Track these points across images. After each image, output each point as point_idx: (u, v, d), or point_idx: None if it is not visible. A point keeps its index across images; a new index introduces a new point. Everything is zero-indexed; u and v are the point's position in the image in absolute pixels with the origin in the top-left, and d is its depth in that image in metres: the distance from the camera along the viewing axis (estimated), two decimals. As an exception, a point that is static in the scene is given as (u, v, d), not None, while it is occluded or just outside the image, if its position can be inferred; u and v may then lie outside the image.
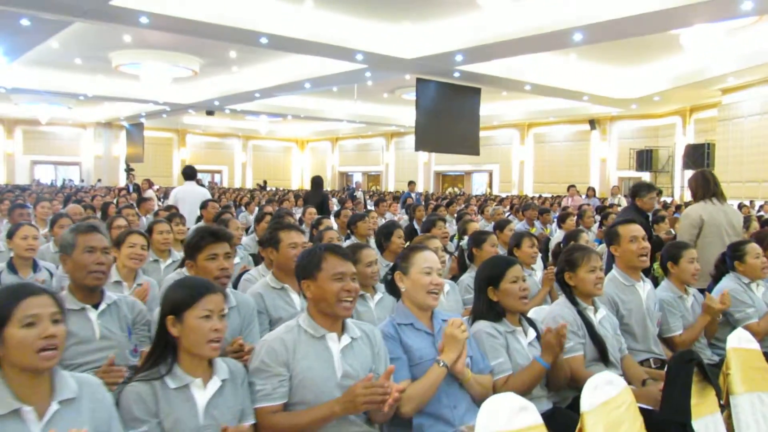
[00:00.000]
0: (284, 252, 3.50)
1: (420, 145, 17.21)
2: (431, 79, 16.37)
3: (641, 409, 2.31)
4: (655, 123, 24.07)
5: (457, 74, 16.15)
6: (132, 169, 18.90)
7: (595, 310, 3.29)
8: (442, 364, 2.56)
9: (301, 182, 38.47)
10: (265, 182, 32.77)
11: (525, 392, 2.81)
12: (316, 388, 2.38)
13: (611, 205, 12.32)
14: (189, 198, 8.74)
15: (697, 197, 5.30)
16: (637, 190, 6.19)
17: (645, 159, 23.24)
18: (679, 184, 22.84)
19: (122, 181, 25.22)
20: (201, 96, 22.38)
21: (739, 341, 2.83)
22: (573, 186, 15.02)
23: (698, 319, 3.80)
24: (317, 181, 10.58)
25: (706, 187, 5.21)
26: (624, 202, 16.42)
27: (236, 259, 5.16)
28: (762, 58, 14.80)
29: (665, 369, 2.59)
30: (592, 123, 25.39)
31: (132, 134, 29.40)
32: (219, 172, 36.91)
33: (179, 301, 2.24)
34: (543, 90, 18.72)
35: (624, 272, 3.69)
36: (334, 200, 16.44)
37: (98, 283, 2.84)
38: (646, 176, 23.56)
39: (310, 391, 2.38)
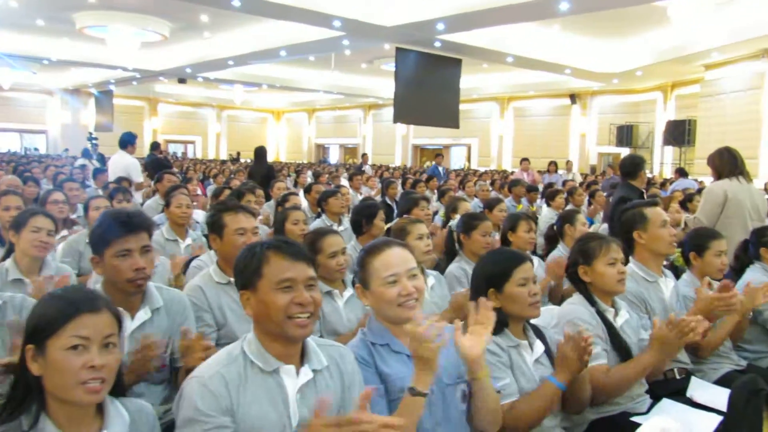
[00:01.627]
0: (229, 240, 2.84)
1: (399, 117, 16.82)
2: (411, 48, 15.85)
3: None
4: (636, 98, 23.66)
5: (438, 44, 15.58)
6: (95, 138, 17.80)
7: (616, 313, 2.68)
8: (413, 392, 1.83)
9: (276, 154, 37.59)
10: (238, 154, 31.62)
11: (536, 421, 2.20)
12: None
13: (565, 182, 11.64)
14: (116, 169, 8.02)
15: (721, 175, 4.70)
16: (633, 168, 5.71)
17: (625, 134, 22.96)
18: (658, 160, 22.57)
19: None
20: (172, 63, 21.35)
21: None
22: (526, 159, 14.29)
23: (727, 318, 3.21)
24: (260, 152, 9.84)
25: (733, 164, 4.65)
26: (579, 178, 15.97)
27: (188, 240, 4.50)
28: (748, 33, 14.41)
29: (728, 402, 1.97)
30: (573, 97, 24.98)
31: (101, 102, 28.03)
32: (192, 142, 35.80)
33: (40, 324, 1.52)
34: (525, 62, 18.20)
35: (645, 265, 3.09)
36: (309, 173, 15.72)
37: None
38: (626, 152, 23.20)
39: None
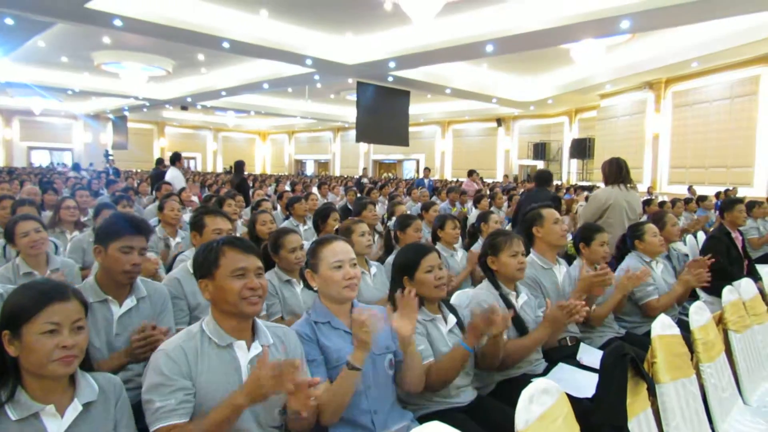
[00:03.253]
0: (207, 237, 2.74)
1: (360, 138, 16.70)
2: (369, 82, 15.79)
3: (574, 409, 1.68)
4: (548, 121, 23.96)
5: (390, 79, 15.53)
6: (111, 155, 17.30)
7: (517, 295, 2.65)
8: (350, 366, 1.82)
9: (263, 168, 37.14)
10: (231, 167, 31.05)
11: (449, 378, 2.16)
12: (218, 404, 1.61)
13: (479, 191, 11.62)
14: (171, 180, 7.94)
15: (608, 182, 4.71)
16: (546, 178, 6.16)
17: (540, 150, 23.32)
18: (566, 170, 22.88)
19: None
20: (175, 93, 20.82)
21: (663, 328, 2.24)
22: (474, 171, 14.18)
23: (611, 296, 3.22)
24: (238, 165, 9.50)
25: (618, 174, 4.61)
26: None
27: (177, 239, 4.36)
28: (631, 69, 14.88)
29: (600, 365, 1.95)
30: (499, 121, 25.22)
31: (117, 125, 27.25)
32: (193, 158, 35.00)
33: (15, 311, 1.42)
34: (460, 93, 18.29)
35: (542, 255, 3.08)
36: (288, 183, 15.52)
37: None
38: (540, 164, 23.57)
39: (210, 407, 1.60)
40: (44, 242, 3.06)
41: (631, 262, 3.54)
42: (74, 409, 1.46)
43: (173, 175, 8.20)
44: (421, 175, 15.28)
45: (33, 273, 2.96)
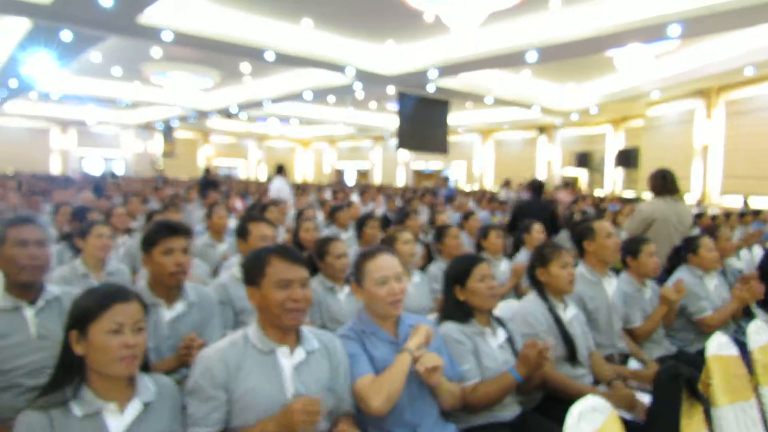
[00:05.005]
0: (252, 244, 2.78)
1: (401, 147, 16.70)
2: (410, 92, 15.83)
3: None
4: (592, 131, 23.40)
5: (431, 88, 15.49)
6: (159, 163, 17.87)
7: (565, 308, 2.59)
8: (407, 352, 1.83)
9: (304, 176, 37.59)
10: (272, 173, 31.63)
11: (493, 402, 2.11)
12: (261, 410, 1.64)
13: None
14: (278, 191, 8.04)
15: (654, 194, 4.58)
16: (539, 186, 6.30)
17: (583, 160, 22.78)
18: (610, 180, 22.30)
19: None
20: (221, 103, 21.29)
21: (719, 347, 2.13)
22: (508, 181, 13.84)
23: (656, 309, 3.12)
24: (277, 169, 9.42)
25: (663, 185, 4.50)
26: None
27: (224, 245, 4.44)
28: (681, 78, 14.38)
29: (652, 385, 1.87)
30: (541, 130, 24.79)
31: (165, 134, 28.09)
32: (237, 167, 35.78)
33: (82, 312, 1.49)
34: (501, 102, 18.08)
35: (592, 268, 2.99)
36: (329, 191, 15.67)
37: (32, 279, 2.06)
38: (583, 174, 23.09)
39: (253, 413, 1.63)
40: (110, 247, 3.24)
41: (682, 275, 3.42)
42: (135, 407, 1.51)
43: (279, 187, 8.15)
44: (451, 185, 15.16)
45: (89, 275, 3.09)
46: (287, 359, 1.74)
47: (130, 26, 10.27)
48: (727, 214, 7.72)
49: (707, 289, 3.37)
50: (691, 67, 13.79)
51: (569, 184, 12.25)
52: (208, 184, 9.04)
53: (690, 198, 14.79)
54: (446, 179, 14.55)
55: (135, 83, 19.08)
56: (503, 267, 4.03)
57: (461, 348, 2.17)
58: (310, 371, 1.76)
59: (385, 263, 2.03)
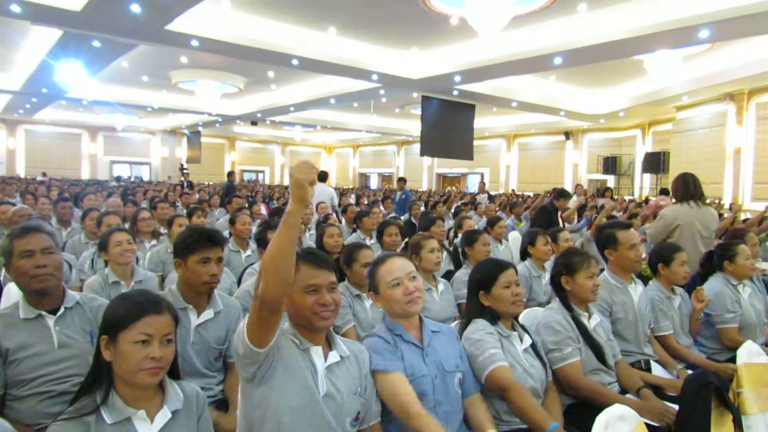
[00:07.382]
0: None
1: (424, 152, 16.60)
2: (434, 96, 15.77)
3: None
4: (619, 135, 23.14)
5: (455, 92, 15.49)
6: (185, 168, 18.07)
7: (589, 316, 2.57)
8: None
9: (328, 181, 37.81)
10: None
11: (519, 413, 2.10)
12: (295, 404, 1.64)
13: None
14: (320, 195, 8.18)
15: (677, 199, 4.51)
16: (560, 193, 7.27)
17: (610, 164, 22.47)
18: (638, 185, 21.98)
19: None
20: (246, 109, 21.61)
21: (750, 356, 2.11)
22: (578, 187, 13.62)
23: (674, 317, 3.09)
24: (322, 175, 9.48)
25: (685, 190, 4.40)
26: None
27: (248, 251, 4.50)
28: (711, 80, 14.12)
29: (680, 393, 1.86)
30: (567, 134, 24.54)
31: (191, 140, 28.60)
32: (262, 172, 36.16)
33: (114, 319, 1.51)
34: (527, 106, 17.96)
35: (616, 275, 2.97)
36: (353, 196, 15.73)
37: (44, 287, 2.05)
38: (611, 179, 22.76)
39: (287, 408, 1.63)
40: (133, 253, 3.24)
41: (716, 285, 3.35)
42: (164, 415, 1.52)
43: (322, 190, 8.27)
44: (470, 190, 15.01)
45: (120, 282, 3.14)
46: (320, 358, 1.75)
47: (159, 33, 10.50)
48: (761, 221, 7.54)
49: (741, 299, 3.30)
50: (720, 70, 13.53)
51: (608, 189, 12.07)
52: (232, 189, 9.16)
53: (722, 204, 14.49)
54: (483, 183, 14.33)
55: (162, 91, 19.48)
56: (545, 280, 3.87)
57: (491, 338, 2.17)
58: (341, 374, 1.78)
59: (395, 266, 2.05)
